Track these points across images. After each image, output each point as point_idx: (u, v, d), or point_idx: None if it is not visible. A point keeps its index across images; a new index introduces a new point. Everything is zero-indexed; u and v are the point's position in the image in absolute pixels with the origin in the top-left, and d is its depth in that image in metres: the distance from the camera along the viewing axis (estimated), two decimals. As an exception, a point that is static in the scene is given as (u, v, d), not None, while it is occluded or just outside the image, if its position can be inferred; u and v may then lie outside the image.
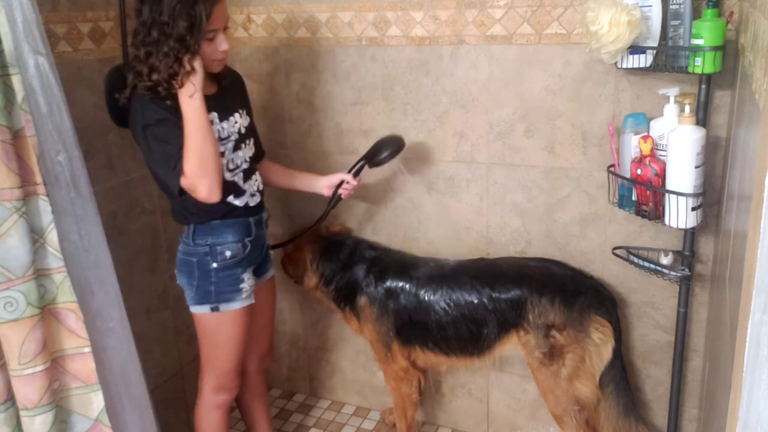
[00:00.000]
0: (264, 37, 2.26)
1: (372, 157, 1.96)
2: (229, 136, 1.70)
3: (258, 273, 1.85)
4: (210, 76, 1.69)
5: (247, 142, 1.77)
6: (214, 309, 1.72)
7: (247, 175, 1.76)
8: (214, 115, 1.66)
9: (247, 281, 1.75)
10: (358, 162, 1.97)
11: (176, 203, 1.71)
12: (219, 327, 1.75)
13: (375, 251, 2.12)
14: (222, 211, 1.70)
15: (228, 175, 1.69)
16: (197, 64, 1.53)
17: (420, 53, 2.05)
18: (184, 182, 1.55)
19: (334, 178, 1.96)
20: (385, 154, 1.95)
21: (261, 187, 1.82)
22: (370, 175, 2.26)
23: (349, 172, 1.96)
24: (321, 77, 2.21)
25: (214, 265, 1.70)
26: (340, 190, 1.95)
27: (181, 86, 1.52)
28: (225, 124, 1.69)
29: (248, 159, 1.76)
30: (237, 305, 1.74)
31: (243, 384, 2.00)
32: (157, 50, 1.50)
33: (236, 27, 2.28)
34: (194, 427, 1.88)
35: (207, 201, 1.57)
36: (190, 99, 1.53)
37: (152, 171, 1.62)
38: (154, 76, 1.51)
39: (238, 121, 1.73)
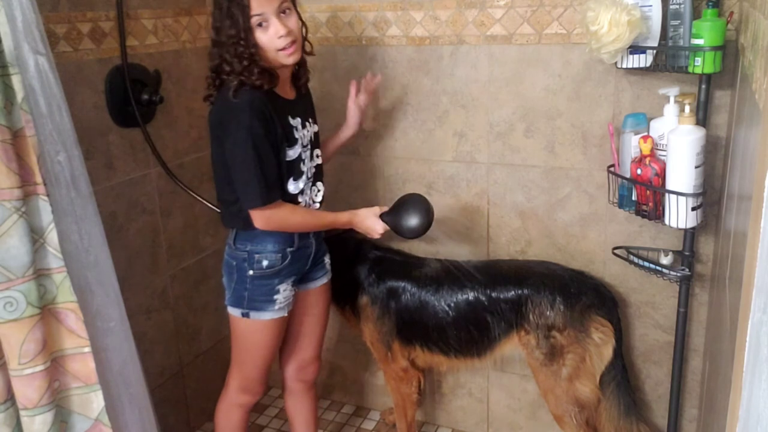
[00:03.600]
0: (264, 37, 2.26)
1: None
2: (308, 144, 1.70)
3: (305, 280, 1.83)
4: (289, 81, 1.69)
5: (316, 151, 1.77)
6: (245, 315, 1.71)
7: (312, 183, 1.75)
8: (298, 120, 1.66)
9: (283, 293, 1.71)
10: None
11: (227, 207, 1.69)
12: (247, 333, 1.74)
13: (378, 251, 2.12)
14: None
15: (300, 184, 1.69)
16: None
17: (420, 53, 2.05)
18: (255, 212, 1.58)
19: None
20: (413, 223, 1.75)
21: (321, 199, 1.79)
22: (368, 171, 2.26)
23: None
24: (321, 77, 2.21)
25: (251, 272, 1.67)
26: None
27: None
28: (305, 131, 1.69)
29: (315, 167, 1.76)
30: (267, 315, 1.71)
31: (285, 389, 2.01)
32: (234, 52, 1.51)
33: (236, 27, 2.28)
34: (214, 419, 1.89)
35: (255, 225, 1.61)
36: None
37: (231, 169, 1.58)
38: (253, 78, 1.52)
39: (310, 128, 1.74)
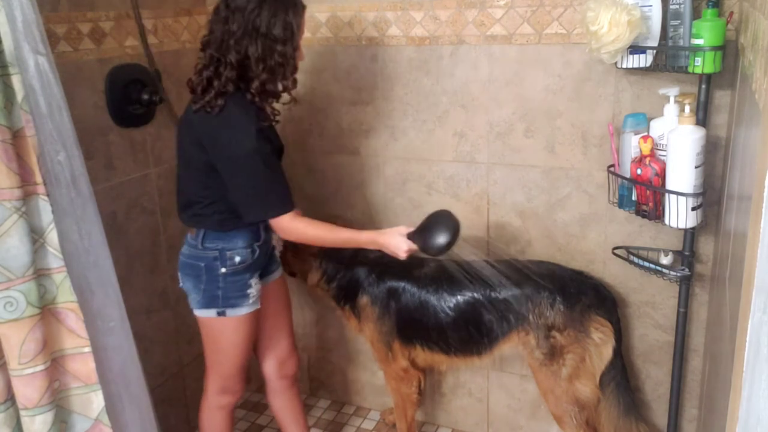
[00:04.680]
0: (264, 37, 2.26)
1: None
2: None
3: (262, 275, 1.84)
4: None
5: None
6: (221, 314, 1.71)
7: None
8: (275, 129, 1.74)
9: (254, 286, 1.75)
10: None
11: (198, 208, 1.68)
12: (223, 331, 1.75)
13: (378, 251, 2.11)
14: (239, 221, 1.68)
15: None
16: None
17: (420, 53, 2.05)
18: (278, 221, 1.63)
19: None
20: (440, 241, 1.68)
21: None
22: (368, 171, 2.26)
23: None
24: (321, 77, 2.21)
25: (223, 270, 1.68)
26: None
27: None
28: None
29: None
30: (243, 311, 1.72)
31: (268, 390, 2.01)
32: (266, 62, 1.56)
33: (236, 27, 2.28)
34: (198, 427, 1.89)
35: (276, 232, 1.70)
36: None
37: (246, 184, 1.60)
38: (269, 86, 1.59)
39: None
